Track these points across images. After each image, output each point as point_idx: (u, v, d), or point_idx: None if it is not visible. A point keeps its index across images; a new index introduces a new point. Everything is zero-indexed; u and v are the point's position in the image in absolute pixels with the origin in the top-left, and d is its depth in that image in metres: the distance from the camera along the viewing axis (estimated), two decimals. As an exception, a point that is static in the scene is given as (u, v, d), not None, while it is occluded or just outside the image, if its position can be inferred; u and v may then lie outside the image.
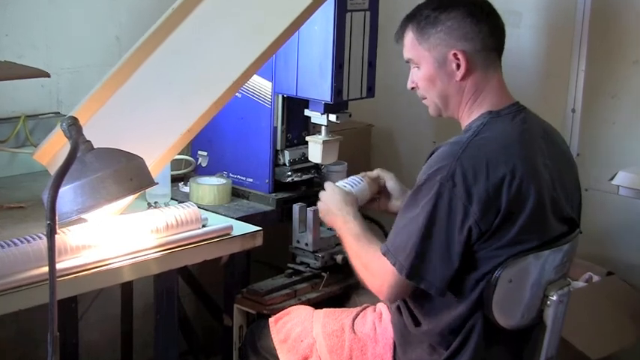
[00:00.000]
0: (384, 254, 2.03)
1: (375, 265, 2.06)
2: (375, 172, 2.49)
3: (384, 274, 2.03)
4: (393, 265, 2.00)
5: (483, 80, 2.07)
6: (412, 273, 1.97)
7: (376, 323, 2.24)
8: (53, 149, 2.30)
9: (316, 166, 2.92)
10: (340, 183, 2.44)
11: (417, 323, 2.10)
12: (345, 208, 2.27)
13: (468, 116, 2.09)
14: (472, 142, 1.97)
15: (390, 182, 2.47)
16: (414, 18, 2.11)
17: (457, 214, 1.93)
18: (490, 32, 2.05)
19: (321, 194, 2.38)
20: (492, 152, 1.96)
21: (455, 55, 2.04)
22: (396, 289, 2.04)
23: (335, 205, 2.30)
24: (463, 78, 2.06)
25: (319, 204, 2.37)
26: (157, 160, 2.28)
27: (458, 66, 2.05)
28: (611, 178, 2.90)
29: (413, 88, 2.17)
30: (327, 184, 2.39)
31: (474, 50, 2.04)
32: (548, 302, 2.05)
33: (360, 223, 2.22)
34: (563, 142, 2.20)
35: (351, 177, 2.48)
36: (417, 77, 2.13)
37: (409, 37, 2.11)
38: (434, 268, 1.96)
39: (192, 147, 3.00)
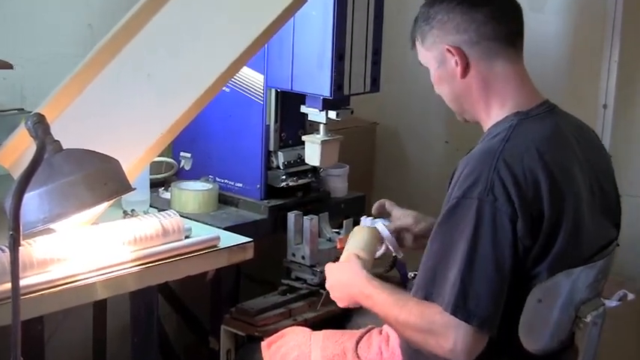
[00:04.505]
0: (432, 300, 1.94)
1: (431, 324, 1.95)
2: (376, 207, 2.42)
3: (448, 329, 1.92)
4: (454, 313, 1.91)
5: (491, 74, 2.07)
6: (463, 311, 1.91)
7: (382, 347, 2.25)
8: (16, 150, 2.30)
9: (314, 170, 2.93)
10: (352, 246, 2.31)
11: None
12: (356, 282, 2.15)
13: (488, 116, 2.10)
14: (505, 148, 1.97)
15: (395, 210, 2.41)
16: (416, 18, 2.15)
17: (505, 230, 1.91)
18: (486, 19, 2.05)
19: (327, 283, 2.25)
20: (529, 159, 1.96)
21: (449, 50, 2.06)
22: (471, 342, 1.92)
23: (346, 287, 2.18)
24: (464, 75, 2.07)
25: (332, 294, 2.23)
26: (135, 163, 2.28)
27: (457, 63, 2.07)
28: (648, 183, 2.91)
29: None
30: (326, 267, 2.27)
31: (470, 42, 2.05)
32: (581, 324, 2.06)
33: (381, 286, 2.09)
34: (599, 144, 2.21)
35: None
36: (432, 81, 2.16)
37: (417, 39, 2.15)
38: (486, 304, 1.91)
39: (174, 148, 3.00)
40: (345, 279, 2.18)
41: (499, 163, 1.94)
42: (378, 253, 2.36)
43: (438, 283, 1.96)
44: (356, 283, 2.14)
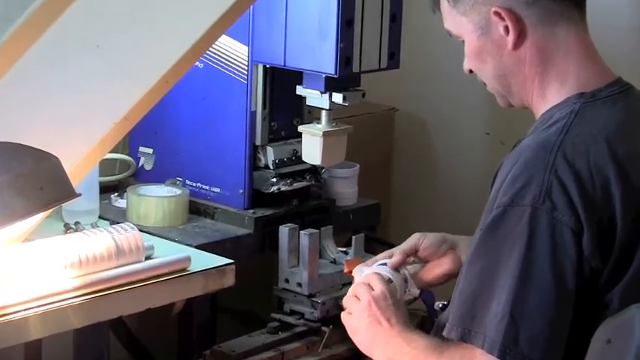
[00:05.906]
0: (468, 340, 1.95)
1: None
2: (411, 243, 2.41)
3: None
4: (501, 356, 1.91)
5: (551, 43, 2.07)
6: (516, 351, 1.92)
7: (403, 401, 2.24)
8: None
9: (314, 170, 2.93)
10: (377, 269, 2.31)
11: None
12: (390, 343, 2.13)
13: (542, 98, 2.09)
14: (565, 140, 1.97)
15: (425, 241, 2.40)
16: None
17: (567, 247, 1.91)
18: None
19: (349, 325, 2.24)
20: (596, 153, 1.96)
21: (498, 14, 2.05)
22: None
23: (371, 346, 2.16)
24: (517, 45, 2.06)
25: (352, 338, 2.23)
26: (80, 161, 2.28)
27: (507, 29, 2.05)
28: None
29: (471, 72, 2.17)
30: (345, 301, 2.26)
31: (524, 3, 2.04)
32: (664, 373, 2.06)
33: (417, 335, 2.09)
34: None
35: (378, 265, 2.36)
36: (466, 55, 2.14)
37: (443, 1, 2.14)
38: (544, 345, 1.92)
39: (131, 142, 3.01)
40: (374, 337, 2.16)
41: (557, 159, 1.94)
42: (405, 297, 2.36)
43: (478, 318, 1.95)
44: (388, 345, 2.13)
